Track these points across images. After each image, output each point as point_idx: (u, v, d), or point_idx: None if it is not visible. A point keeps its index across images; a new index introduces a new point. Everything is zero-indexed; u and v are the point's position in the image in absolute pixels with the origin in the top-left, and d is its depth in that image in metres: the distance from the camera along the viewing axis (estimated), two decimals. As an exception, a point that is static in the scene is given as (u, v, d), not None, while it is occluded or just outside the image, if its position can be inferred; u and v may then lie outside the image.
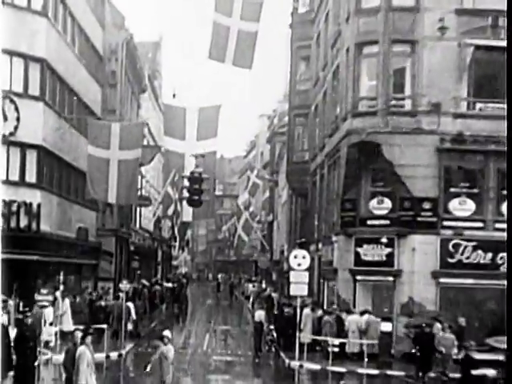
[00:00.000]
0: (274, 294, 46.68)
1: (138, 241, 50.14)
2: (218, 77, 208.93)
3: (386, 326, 28.13)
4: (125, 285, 32.72)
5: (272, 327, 34.28)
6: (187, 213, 60.37)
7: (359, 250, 30.75)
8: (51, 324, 28.08)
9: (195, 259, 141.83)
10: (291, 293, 30.14)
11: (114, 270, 42.91)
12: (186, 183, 30.85)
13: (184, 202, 57.95)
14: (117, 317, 33.24)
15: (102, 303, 35.35)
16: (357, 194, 31.45)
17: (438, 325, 25.57)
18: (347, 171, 31.42)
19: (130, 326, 33.98)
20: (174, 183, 59.78)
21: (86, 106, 39.90)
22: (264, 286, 65.71)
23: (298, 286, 29.40)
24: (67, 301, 29.93)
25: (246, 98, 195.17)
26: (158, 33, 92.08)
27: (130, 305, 34.30)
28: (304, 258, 29.61)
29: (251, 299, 61.87)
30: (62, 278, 29.02)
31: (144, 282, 54.79)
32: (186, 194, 30.98)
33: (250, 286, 71.46)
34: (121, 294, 32.72)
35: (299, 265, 29.51)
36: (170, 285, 58.28)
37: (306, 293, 29.80)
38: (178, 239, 75.15)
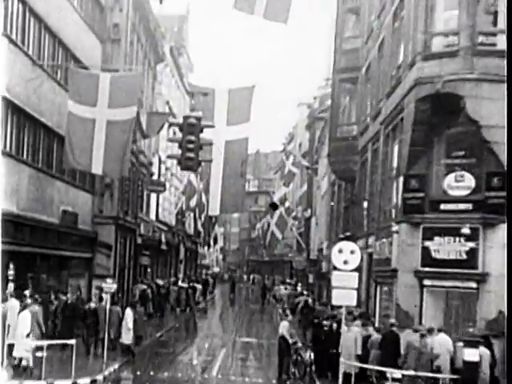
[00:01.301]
0: (309, 299, 38.60)
1: (148, 233, 41.78)
2: (252, 59, 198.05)
3: (471, 354, 19.40)
4: (109, 284, 24.67)
5: (299, 344, 25.89)
6: (214, 206, 53.40)
7: (429, 244, 22.33)
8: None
9: (227, 258, 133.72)
10: (333, 301, 21.67)
11: (113, 266, 34.76)
12: (178, 134, 22.97)
13: (211, 194, 51.45)
14: (106, 324, 25.69)
15: (92, 305, 27.34)
16: (426, 168, 23.05)
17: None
18: (414, 137, 22.93)
19: (124, 339, 26.02)
20: (198, 172, 52.99)
21: (78, 60, 31.78)
22: (299, 289, 57.51)
23: (344, 291, 20.94)
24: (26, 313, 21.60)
25: (282, 86, 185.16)
26: (185, 4, 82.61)
27: (128, 310, 26.28)
28: (352, 253, 21.16)
29: (282, 304, 53.87)
30: (12, 272, 20.98)
31: (158, 281, 46.96)
32: (175, 150, 22.75)
33: (282, 288, 63.35)
34: (104, 296, 24.81)
35: (346, 263, 21.08)
36: (185, 285, 50.21)
37: (354, 302, 21.36)
38: (202, 235, 66.88)
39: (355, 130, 34.94)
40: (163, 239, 50.89)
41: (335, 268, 21.57)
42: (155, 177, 45.55)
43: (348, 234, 33.56)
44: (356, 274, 21.10)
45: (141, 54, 42.57)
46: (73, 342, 21.21)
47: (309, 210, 67.54)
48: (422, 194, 22.83)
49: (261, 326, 43.87)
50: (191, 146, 21.75)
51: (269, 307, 61.72)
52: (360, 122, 33.97)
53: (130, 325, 26.11)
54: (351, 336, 21.77)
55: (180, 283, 51.82)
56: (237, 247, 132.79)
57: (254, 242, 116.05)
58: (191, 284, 58.12)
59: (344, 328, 21.51)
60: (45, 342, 20.55)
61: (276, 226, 64.38)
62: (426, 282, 22.58)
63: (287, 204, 78.46)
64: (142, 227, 40.60)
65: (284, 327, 25.14)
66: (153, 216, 48.88)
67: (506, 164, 20.90)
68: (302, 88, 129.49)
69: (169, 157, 29.74)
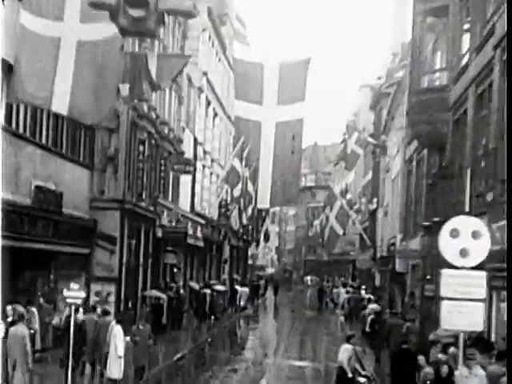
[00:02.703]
0: (384, 311, 29.66)
1: (171, 224, 32.49)
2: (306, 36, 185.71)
3: None
4: (73, 292, 15.94)
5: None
6: (263, 197, 44.29)
7: None
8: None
9: (282, 259, 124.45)
10: (443, 324, 12.27)
11: (118, 266, 25.94)
12: None
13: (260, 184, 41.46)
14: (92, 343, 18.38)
15: (80, 317, 18.71)
16: None
17: None
18: None
19: (111, 371, 17.47)
20: (244, 157, 43.98)
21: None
22: (364, 292, 48.16)
23: (462, 307, 11.71)
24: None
25: (341, 68, 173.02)
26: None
27: (117, 328, 17.61)
28: (477, 236, 11.92)
29: (344, 310, 44.88)
30: None
31: (193, 284, 38.30)
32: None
33: (343, 291, 53.97)
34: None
35: (465, 254, 11.86)
36: (222, 288, 41.52)
37: (481, 325, 12.07)
38: (248, 230, 57.80)
39: (444, 78, 25.49)
40: (198, 233, 41.97)
41: (441, 266, 12.37)
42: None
43: (436, 219, 24.08)
44: (484, 275, 11.85)
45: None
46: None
47: (374, 201, 57.99)
48: None
49: (316, 340, 34.79)
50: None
51: (327, 314, 52.60)
52: (452, 65, 24.52)
53: (120, 350, 17.41)
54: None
55: (218, 286, 43.07)
56: (293, 246, 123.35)
57: (311, 240, 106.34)
58: (236, 287, 49.47)
59: (462, 372, 12.07)
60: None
61: (336, 219, 55.20)
62: None
63: (348, 196, 69.26)
64: (164, 217, 31.60)
65: (345, 352, 16.35)
66: (186, 207, 40.11)
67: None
68: (364, 70, 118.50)
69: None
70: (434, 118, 24.75)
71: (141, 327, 19.07)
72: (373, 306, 32.59)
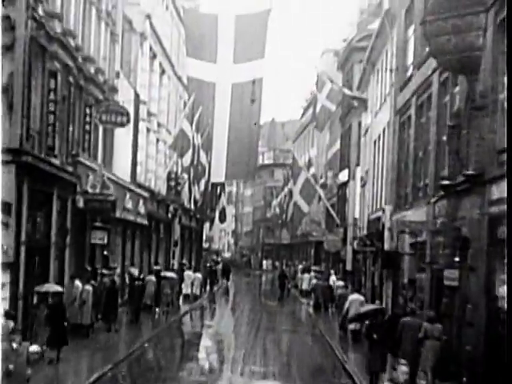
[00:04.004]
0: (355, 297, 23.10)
1: (96, 195, 24.39)
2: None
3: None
4: None
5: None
6: (218, 170, 38.24)
7: None
8: None
9: (239, 242, 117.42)
10: None
11: (14, 246, 18.35)
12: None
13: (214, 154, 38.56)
14: None
15: None
16: None
17: None
18: None
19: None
20: (195, 122, 39.07)
21: None
22: (335, 280, 41.42)
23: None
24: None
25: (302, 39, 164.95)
26: None
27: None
28: None
29: (313, 298, 38.26)
30: None
31: (133, 270, 31.08)
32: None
33: (307, 276, 49.16)
34: None
35: None
36: (170, 274, 34.38)
37: None
38: (202, 208, 50.36)
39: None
40: (141, 208, 34.61)
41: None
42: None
43: (469, 172, 16.75)
44: None
45: None
46: None
47: (344, 173, 51.06)
48: None
49: (281, 343, 27.75)
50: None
51: (290, 303, 45.75)
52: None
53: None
54: None
55: (166, 273, 35.83)
56: (250, 229, 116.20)
57: (269, 222, 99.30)
58: (188, 272, 42.25)
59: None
60: None
61: (300, 195, 48.27)
62: None
63: (312, 170, 62.15)
64: (89, 181, 23.82)
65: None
66: (126, 176, 32.71)
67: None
68: (326, 37, 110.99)
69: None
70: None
71: (16, 346, 11.70)
72: (355, 297, 25.64)
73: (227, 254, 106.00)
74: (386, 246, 25.93)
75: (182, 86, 47.65)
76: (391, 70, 26.56)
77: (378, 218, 29.51)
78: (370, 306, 22.82)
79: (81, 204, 22.66)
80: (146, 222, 35.84)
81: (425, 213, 20.08)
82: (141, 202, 34.77)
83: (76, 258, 23.85)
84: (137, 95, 34.60)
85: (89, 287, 22.07)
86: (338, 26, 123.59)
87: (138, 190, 34.35)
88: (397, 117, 26.38)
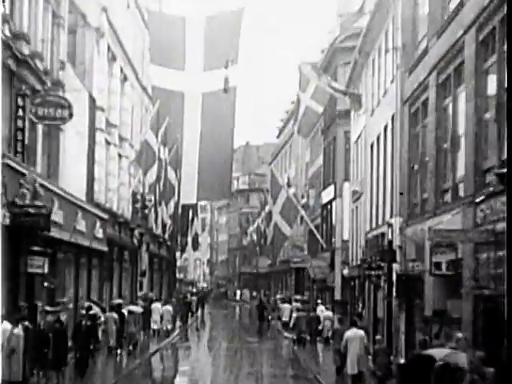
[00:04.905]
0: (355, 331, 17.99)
1: (24, 207, 18.60)
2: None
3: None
4: None
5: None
6: (188, 189, 34.83)
7: None
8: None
9: (214, 272, 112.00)
10: None
11: None
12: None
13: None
14: None
15: None
16: None
17: None
18: None
19: None
20: (161, 133, 34.21)
21: None
22: (324, 310, 36.48)
23: None
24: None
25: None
26: None
27: None
28: None
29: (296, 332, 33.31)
30: None
31: (87, 305, 25.81)
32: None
33: (287, 307, 44.06)
34: None
35: None
36: (136, 309, 29.34)
37: None
38: (173, 234, 45.02)
39: None
40: (98, 232, 29.38)
41: None
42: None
43: None
44: None
45: None
46: None
47: (329, 190, 46.18)
48: None
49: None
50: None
51: (272, 337, 40.64)
52: None
53: None
54: None
55: (131, 307, 30.63)
56: (225, 258, 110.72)
57: (245, 250, 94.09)
58: (156, 305, 36.92)
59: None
60: None
61: (281, 215, 43.11)
62: None
63: (292, 190, 56.93)
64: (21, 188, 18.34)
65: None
66: (80, 194, 27.50)
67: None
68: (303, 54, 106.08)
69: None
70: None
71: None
72: (353, 333, 20.29)
73: (203, 285, 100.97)
74: (399, 268, 20.84)
75: (148, 97, 42.63)
76: (395, 49, 21.68)
77: (382, 235, 24.42)
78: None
79: (7, 220, 17.31)
80: (105, 248, 30.61)
81: (460, 219, 15.02)
82: (98, 223, 29.57)
83: (8, 291, 18.48)
84: (92, 99, 29.61)
85: (18, 331, 16.63)
86: (315, 37, 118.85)
87: (94, 210, 29.13)
88: (405, 107, 21.40)
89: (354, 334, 20.11)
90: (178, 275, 68.80)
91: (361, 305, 30.93)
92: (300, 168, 64.22)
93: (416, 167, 20.33)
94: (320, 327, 34.41)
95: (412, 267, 19.25)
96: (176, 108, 33.85)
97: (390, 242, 22.39)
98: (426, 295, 17.98)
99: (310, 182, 56.90)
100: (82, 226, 26.04)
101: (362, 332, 20.21)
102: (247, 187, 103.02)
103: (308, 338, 33.88)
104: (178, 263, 68.72)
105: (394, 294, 21.30)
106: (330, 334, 33.66)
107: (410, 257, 19.80)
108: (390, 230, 23.04)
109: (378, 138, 26.26)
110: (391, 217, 23.48)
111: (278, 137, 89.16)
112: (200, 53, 30.79)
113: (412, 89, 20.35)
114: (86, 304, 25.36)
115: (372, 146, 27.96)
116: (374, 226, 27.37)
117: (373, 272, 21.05)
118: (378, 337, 21.46)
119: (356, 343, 19.70)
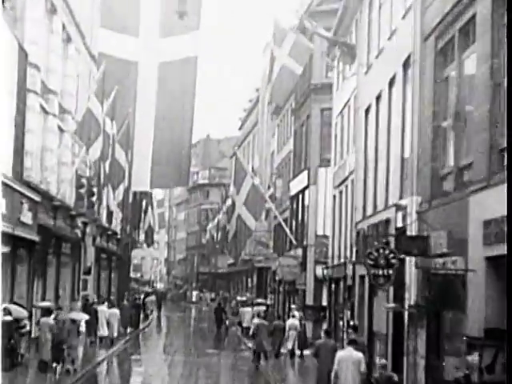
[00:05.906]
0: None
1: None
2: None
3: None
4: None
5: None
6: (140, 175, 30.51)
7: None
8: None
9: (172, 272, 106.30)
10: None
11: None
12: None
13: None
14: None
15: None
16: None
17: None
18: None
19: None
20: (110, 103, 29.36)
21: None
22: (298, 317, 30.99)
23: None
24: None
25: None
26: None
27: None
28: None
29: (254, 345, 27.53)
30: None
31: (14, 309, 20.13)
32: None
33: (248, 310, 39.92)
34: None
35: None
36: (77, 316, 23.58)
37: None
38: (112, 220, 39.24)
39: None
40: (26, 217, 23.61)
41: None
42: None
43: None
44: None
45: None
46: None
47: (300, 179, 40.82)
48: None
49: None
50: None
51: (233, 347, 35.19)
52: None
53: None
54: None
55: (73, 313, 24.89)
56: (183, 257, 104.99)
57: (204, 249, 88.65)
58: (102, 308, 31.25)
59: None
60: None
61: (245, 206, 37.85)
62: None
63: (256, 181, 51.30)
64: None
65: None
66: (6, 169, 21.73)
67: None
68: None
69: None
70: None
71: None
72: (350, 352, 14.89)
73: (160, 285, 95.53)
74: (419, 262, 15.35)
75: (97, 67, 36.77)
76: None
77: (386, 222, 18.91)
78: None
79: None
80: (35, 237, 24.81)
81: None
82: (25, 206, 23.77)
83: None
84: (24, 53, 23.95)
85: None
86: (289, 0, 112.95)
87: (21, 189, 23.32)
88: (426, 43, 15.87)
89: (348, 355, 14.91)
90: (132, 274, 63.61)
91: (348, 313, 25.31)
92: (265, 157, 58.74)
93: (447, 123, 14.85)
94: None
95: (443, 264, 13.78)
96: (128, 79, 29.63)
97: (402, 231, 16.92)
98: (471, 306, 12.49)
99: (277, 171, 51.47)
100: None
101: (360, 355, 15.10)
102: (207, 182, 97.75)
103: (269, 350, 27.89)
104: (135, 261, 63.56)
105: (412, 301, 15.86)
106: (294, 345, 28.66)
107: (437, 250, 14.32)
108: (399, 215, 17.60)
109: (379, 98, 20.72)
110: (401, 197, 18.02)
111: (240, 128, 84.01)
112: (156, 16, 27.60)
113: (441, 13, 14.76)
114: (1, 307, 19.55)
115: (367, 111, 22.38)
116: (370, 212, 21.85)
117: (381, 271, 15.57)
118: (383, 361, 16.03)
119: (349, 367, 14.59)
